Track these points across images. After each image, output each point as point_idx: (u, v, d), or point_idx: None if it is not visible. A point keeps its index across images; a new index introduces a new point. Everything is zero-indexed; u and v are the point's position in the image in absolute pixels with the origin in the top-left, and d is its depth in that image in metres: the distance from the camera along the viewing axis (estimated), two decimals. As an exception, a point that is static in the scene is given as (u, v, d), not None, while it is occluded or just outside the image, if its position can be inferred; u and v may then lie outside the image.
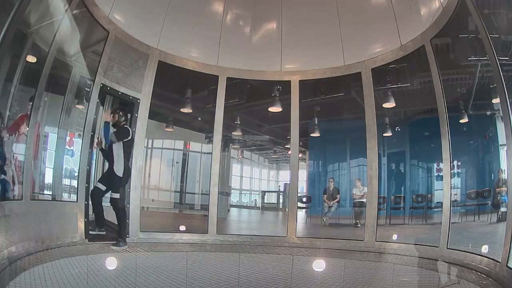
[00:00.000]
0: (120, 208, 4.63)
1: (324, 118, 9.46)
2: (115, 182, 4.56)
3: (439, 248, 4.41)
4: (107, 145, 4.68)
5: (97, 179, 4.81)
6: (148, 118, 5.44)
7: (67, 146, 5.19)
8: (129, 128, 4.79)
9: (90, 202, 4.59)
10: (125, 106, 5.19)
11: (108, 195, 4.65)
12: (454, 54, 5.27)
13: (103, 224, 4.68)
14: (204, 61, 5.90)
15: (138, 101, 5.29)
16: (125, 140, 4.61)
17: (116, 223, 4.68)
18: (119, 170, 4.55)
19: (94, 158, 5.29)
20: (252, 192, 15.97)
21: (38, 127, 4.39)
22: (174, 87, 7.54)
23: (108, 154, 4.67)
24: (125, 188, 4.91)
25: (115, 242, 4.51)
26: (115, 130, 4.63)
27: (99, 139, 4.74)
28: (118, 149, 4.57)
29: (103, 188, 4.59)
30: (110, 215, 4.85)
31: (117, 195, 4.58)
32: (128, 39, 5.17)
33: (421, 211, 7.72)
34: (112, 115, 4.65)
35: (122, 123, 4.75)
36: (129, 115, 5.23)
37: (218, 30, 5.81)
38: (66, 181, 5.14)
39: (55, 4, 4.13)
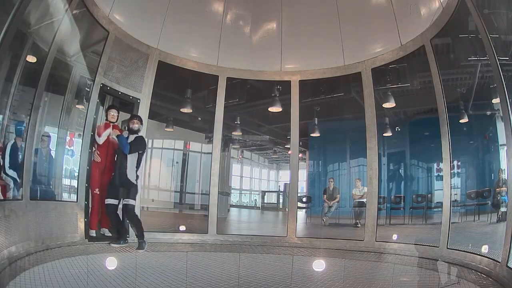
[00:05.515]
0: (134, 215, 4.58)
1: (324, 118, 9.47)
2: (132, 188, 4.51)
3: (439, 248, 4.41)
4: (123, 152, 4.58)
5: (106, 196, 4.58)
6: (148, 118, 5.44)
7: (67, 146, 5.20)
8: (145, 140, 4.75)
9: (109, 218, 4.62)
10: (125, 106, 5.18)
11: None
12: (454, 54, 5.28)
13: (125, 236, 4.64)
14: (204, 61, 5.90)
15: (138, 101, 5.29)
16: (140, 151, 4.60)
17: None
18: (132, 177, 4.51)
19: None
20: (252, 192, 16.00)
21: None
22: (174, 87, 7.55)
23: (121, 159, 4.55)
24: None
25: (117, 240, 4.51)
26: (133, 140, 4.56)
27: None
28: (133, 157, 4.54)
29: (116, 202, 4.49)
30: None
31: (133, 202, 4.51)
32: (128, 39, 5.17)
33: (421, 211, 7.72)
34: (132, 120, 4.69)
35: (137, 131, 4.68)
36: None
37: (218, 30, 5.81)
38: (66, 181, 5.15)
39: (55, 4, 4.13)
